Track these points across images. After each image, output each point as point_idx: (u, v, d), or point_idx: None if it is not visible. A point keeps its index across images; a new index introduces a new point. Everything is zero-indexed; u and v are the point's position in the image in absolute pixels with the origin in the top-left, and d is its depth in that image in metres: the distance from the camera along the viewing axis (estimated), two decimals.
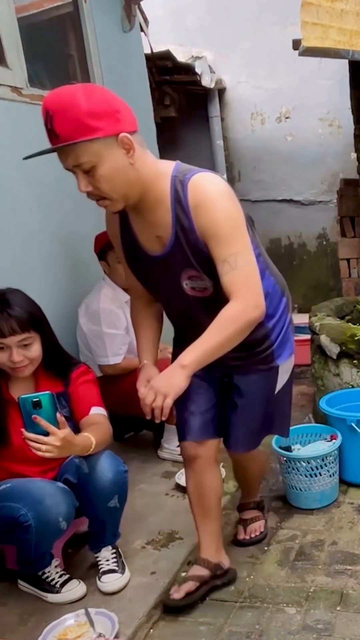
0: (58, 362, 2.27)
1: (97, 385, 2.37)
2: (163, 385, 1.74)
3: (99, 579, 2.22)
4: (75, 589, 2.18)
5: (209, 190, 1.69)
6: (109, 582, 2.20)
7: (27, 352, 2.12)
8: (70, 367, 2.30)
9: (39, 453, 1.90)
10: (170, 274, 1.84)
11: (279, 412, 2.17)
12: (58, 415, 1.95)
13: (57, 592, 2.17)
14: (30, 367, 2.16)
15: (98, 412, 2.27)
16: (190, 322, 1.94)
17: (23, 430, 1.92)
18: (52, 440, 1.89)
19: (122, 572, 2.24)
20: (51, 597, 2.17)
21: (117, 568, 2.24)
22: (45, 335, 2.19)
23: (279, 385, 2.09)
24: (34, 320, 2.14)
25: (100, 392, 2.36)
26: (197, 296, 1.86)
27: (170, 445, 3.15)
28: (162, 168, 1.75)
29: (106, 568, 2.24)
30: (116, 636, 1.85)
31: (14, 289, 2.19)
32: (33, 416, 1.90)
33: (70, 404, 2.29)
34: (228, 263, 1.68)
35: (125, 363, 2.97)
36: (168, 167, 1.76)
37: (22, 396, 1.95)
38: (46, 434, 1.90)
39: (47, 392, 1.97)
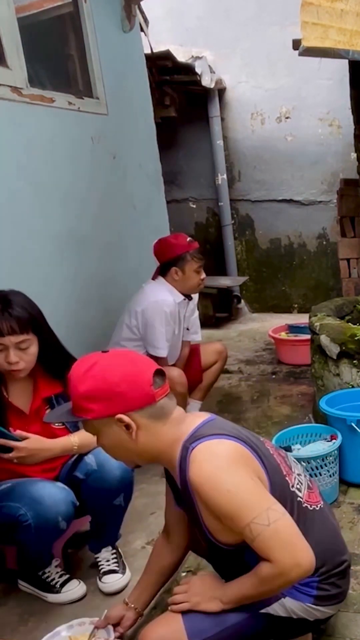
0: (58, 364, 2.26)
1: None
2: (196, 595, 1.70)
3: (100, 580, 2.22)
4: (75, 589, 2.18)
5: (207, 469, 1.56)
6: (110, 583, 2.20)
7: (23, 354, 2.12)
8: (68, 367, 2.29)
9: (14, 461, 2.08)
10: (194, 521, 1.76)
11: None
12: (18, 432, 2.08)
13: (57, 592, 2.17)
14: (25, 371, 2.15)
15: None
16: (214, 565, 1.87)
17: None
18: (14, 454, 2.06)
19: (123, 573, 2.24)
20: (51, 597, 2.17)
21: (117, 568, 2.24)
22: (43, 338, 2.19)
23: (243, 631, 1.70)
24: (34, 322, 2.14)
25: None
26: (218, 546, 1.72)
27: None
28: (178, 433, 1.65)
29: (107, 568, 2.24)
30: (119, 637, 1.85)
31: (16, 290, 2.19)
32: None
33: None
34: (246, 535, 1.56)
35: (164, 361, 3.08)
36: (187, 429, 1.65)
37: None
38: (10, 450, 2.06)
39: None
